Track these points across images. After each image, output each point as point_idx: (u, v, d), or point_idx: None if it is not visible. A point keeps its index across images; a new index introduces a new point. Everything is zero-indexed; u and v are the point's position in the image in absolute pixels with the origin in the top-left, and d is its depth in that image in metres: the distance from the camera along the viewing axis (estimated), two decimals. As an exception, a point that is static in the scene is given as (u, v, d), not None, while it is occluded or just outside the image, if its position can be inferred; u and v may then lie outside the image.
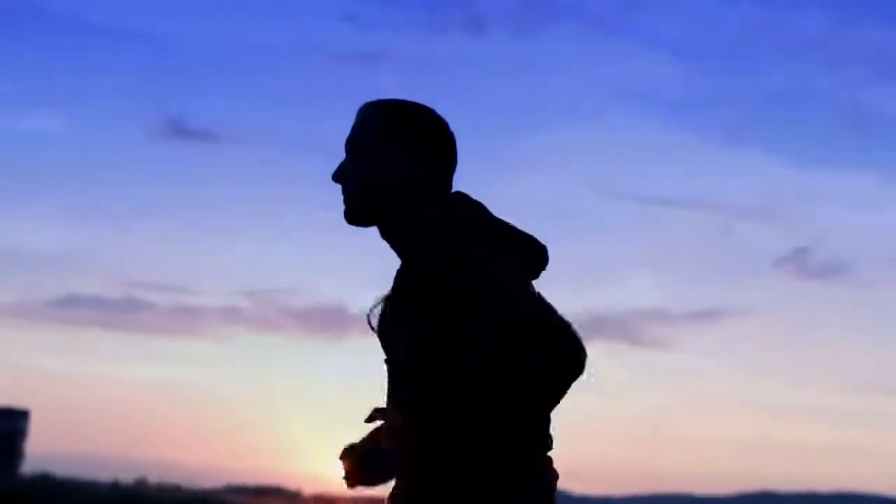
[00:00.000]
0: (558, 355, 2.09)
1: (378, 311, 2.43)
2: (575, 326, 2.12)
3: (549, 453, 2.29)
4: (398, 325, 2.34)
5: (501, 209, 2.38)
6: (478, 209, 2.38)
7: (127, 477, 23.87)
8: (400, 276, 2.40)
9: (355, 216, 2.43)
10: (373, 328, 2.43)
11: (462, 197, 2.41)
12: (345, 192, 2.44)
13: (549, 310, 2.13)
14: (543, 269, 2.37)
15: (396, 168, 2.39)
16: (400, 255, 2.41)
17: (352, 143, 2.45)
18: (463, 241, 2.24)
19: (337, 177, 2.45)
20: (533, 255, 2.36)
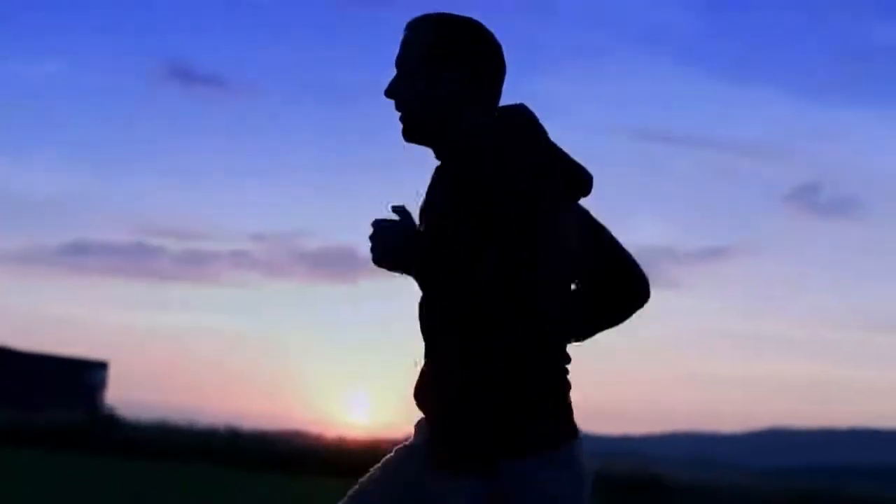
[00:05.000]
0: (642, 292, 2.50)
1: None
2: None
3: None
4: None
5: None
6: (531, 125, 2.40)
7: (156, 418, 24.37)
8: (436, 189, 2.42)
9: (412, 132, 2.44)
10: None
11: (519, 111, 2.42)
12: (399, 108, 2.45)
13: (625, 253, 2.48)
14: (584, 196, 2.42)
15: (449, 82, 2.40)
16: (454, 172, 2.38)
17: (402, 59, 2.46)
18: (520, 168, 2.27)
19: (389, 93, 2.46)
20: (576, 181, 2.39)
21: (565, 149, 2.40)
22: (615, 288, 2.44)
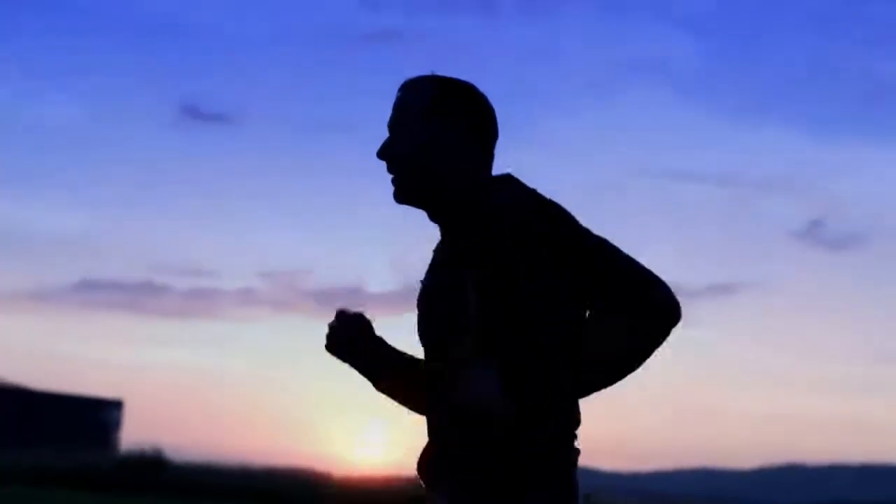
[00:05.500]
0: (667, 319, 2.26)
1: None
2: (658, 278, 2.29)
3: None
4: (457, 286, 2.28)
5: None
6: (544, 200, 2.33)
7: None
8: (444, 251, 2.39)
9: (406, 192, 2.39)
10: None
11: (511, 180, 2.38)
12: (391, 171, 2.40)
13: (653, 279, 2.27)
14: None
15: (444, 140, 2.36)
16: (449, 235, 2.38)
17: (396, 119, 2.41)
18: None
19: (382, 154, 2.41)
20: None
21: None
22: (629, 303, 2.24)
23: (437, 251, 2.43)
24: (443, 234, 2.42)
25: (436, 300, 2.37)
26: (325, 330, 2.42)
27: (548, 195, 2.34)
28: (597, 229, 2.33)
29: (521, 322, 2.22)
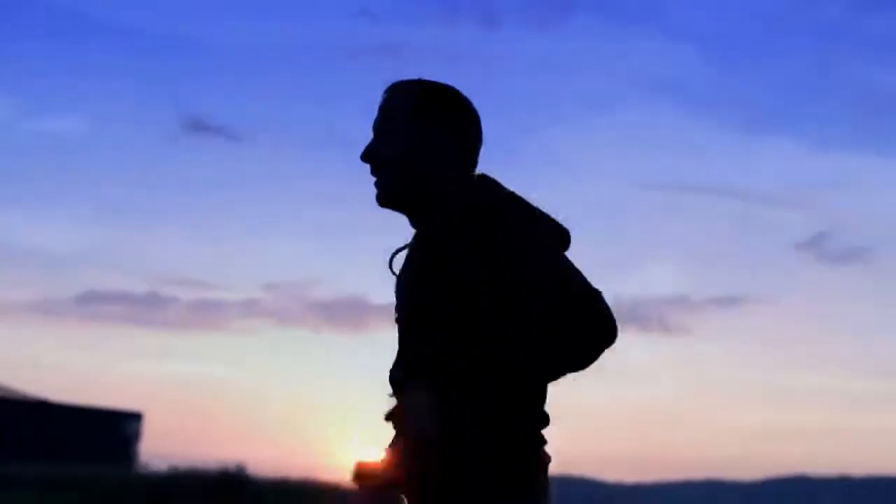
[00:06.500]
0: (598, 323, 2.23)
1: (401, 255, 2.45)
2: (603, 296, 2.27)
3: (545, 431, 2.33)
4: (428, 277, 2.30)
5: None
6: (509, 194, 2.35)
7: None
8: (420, 243, 2.38)
9: (389, 196, 2.39)
10: (393, 272, 2.43)
11: (490, 181, 2.38)
12: (375, 173, 2.40)
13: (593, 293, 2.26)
14: (564, 250, 2.33)
15: (429, 145, 2.36)
16: (426, 239, 2.36)
17: (381, 122, 2.41)
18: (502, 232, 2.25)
19: (366, 156, 2.40)
20: (556, 237, 2.33)
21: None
22: (578, 325, 2.23)
23: (409, 255, 2.44)
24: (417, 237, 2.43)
25: (402, 293, 2.39)
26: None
27: (552, 207, 2.37)
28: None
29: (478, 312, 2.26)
